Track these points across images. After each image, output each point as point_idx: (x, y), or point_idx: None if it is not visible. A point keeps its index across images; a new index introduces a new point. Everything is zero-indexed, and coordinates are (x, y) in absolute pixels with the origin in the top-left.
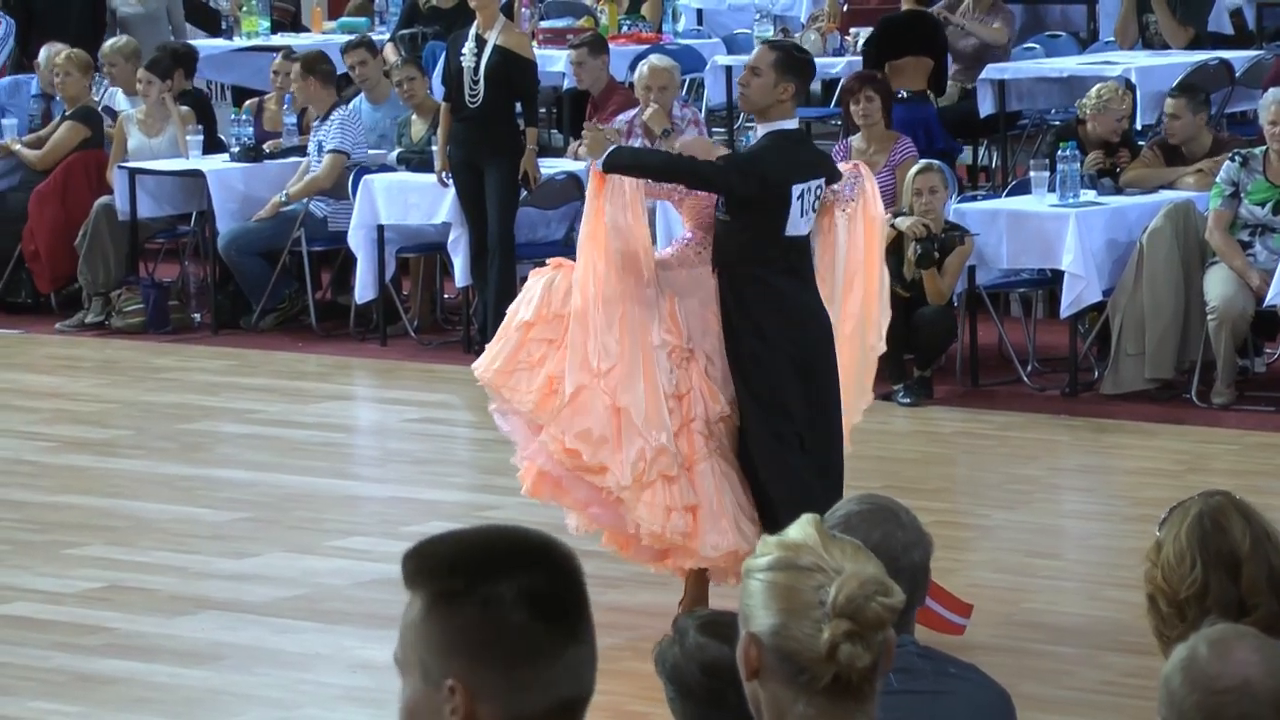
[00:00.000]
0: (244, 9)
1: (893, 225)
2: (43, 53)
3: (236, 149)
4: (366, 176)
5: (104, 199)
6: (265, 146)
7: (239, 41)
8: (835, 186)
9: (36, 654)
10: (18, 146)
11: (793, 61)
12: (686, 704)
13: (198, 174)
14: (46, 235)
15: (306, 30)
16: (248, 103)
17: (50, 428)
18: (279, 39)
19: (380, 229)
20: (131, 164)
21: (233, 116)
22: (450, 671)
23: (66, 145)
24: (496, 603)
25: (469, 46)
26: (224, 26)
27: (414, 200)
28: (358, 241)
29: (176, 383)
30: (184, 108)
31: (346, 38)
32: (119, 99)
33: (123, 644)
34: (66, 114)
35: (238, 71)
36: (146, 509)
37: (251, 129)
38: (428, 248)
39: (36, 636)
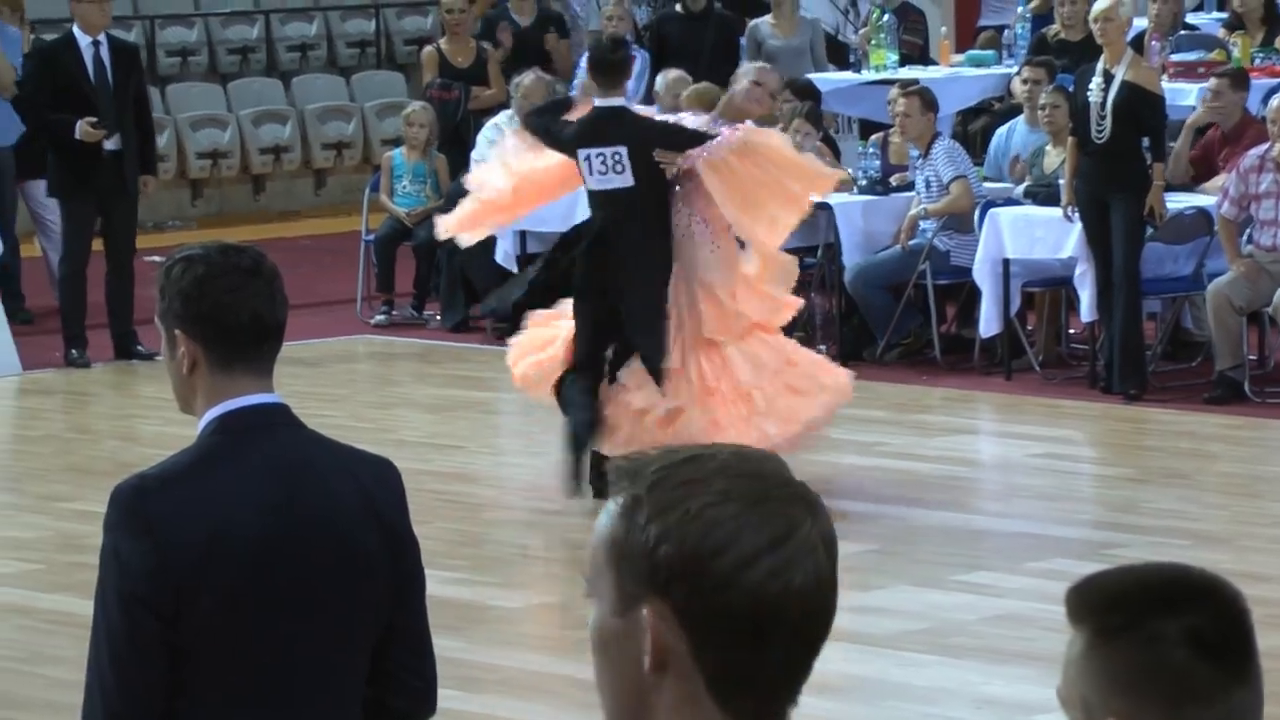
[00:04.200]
0: (873, 42)
1: None
2: (660, 80)
3: (864, 182)
4: (993, 210)
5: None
6: (891, 180)
7: (867, 75)
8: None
9: None
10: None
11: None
12: None
13: (825, 207)
14: None
15: (934, 64)
16: (874, 136)
17: None
18: (906, 72)
19: (1006, 262)
20: None
21: (859, 150)
22: (1111, 710)
23: None
24: (1158, 640)
25: (1096, 81)
26: (852, 60)
27: (1040, 234)
28: (983, 275)
29: None
30: (818, 143)
31: (974, 71)
32: None
33: None
34: None
35: (865, 105)
36: None
37: (878, 162)
38: (1053, 282)
39: None
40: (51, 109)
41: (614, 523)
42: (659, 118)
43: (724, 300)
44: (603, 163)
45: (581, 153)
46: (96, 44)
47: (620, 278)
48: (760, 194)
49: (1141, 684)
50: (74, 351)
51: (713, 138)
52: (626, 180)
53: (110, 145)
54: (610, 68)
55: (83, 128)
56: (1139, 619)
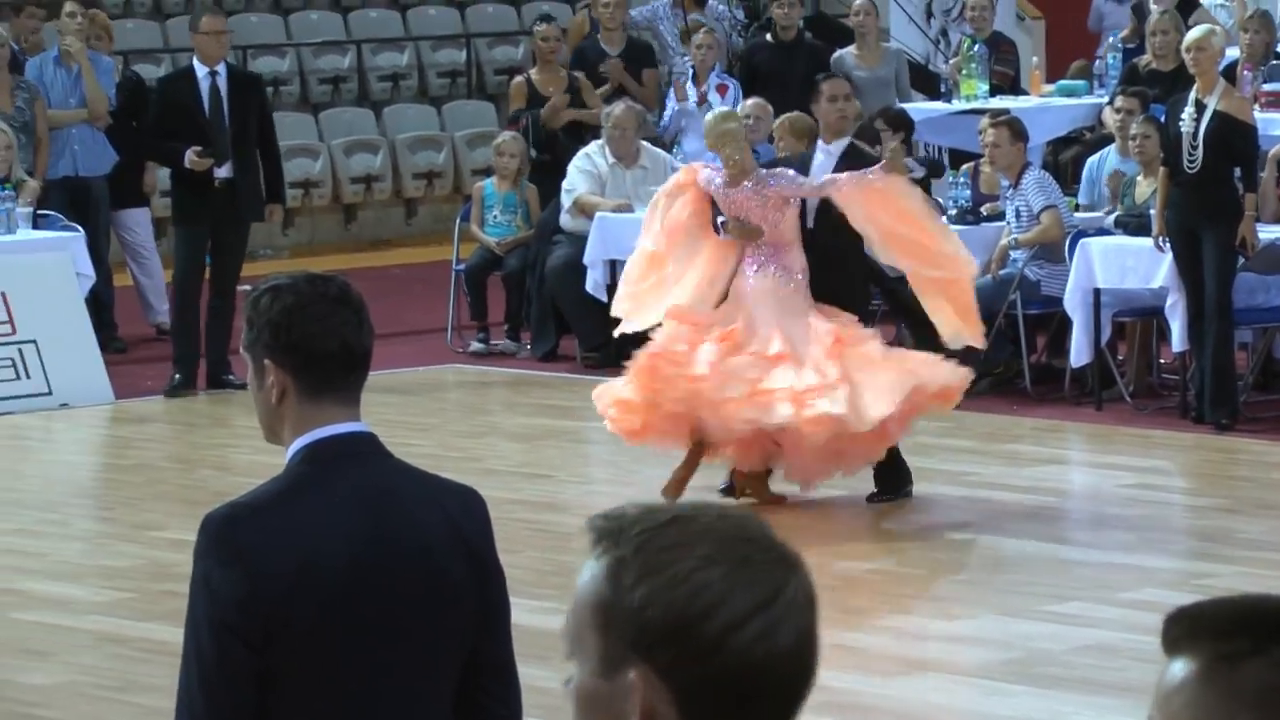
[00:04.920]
0: (964, 72)
1: None
2: (738, 109)
3: (954, 211)
4: (1084, 240)
5: None
6: (982, 209)
7: (957, 105)
8: None
9: None
10: None
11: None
12: None
13: None
14: None
15: (1025, 93)
16: (964, 166)
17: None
18: (997, 102)
19: (1096, 292)
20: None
21: (950, 179)
22: None
23: None
24: None
25: (1188, 111)
26: (943, 90)
27: (1131, 264)
28: (1074, 305)
29: None
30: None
31: (1064, 101)
32: None
33: (837, 703)
34: None
35: (956, 134)
36: (856, 568)
37: (969, 191)
38: (1144, 312)
39: None
40: (167, 138)
41: (599, 584)
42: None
43: None
44: None
45: None
46: (214, 74)
47: None
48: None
49: (1269, 707)
50: (178, 376)
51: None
52: None
53: (222, 173)
54: None
55: (190, 156)
56: (1265, 643)
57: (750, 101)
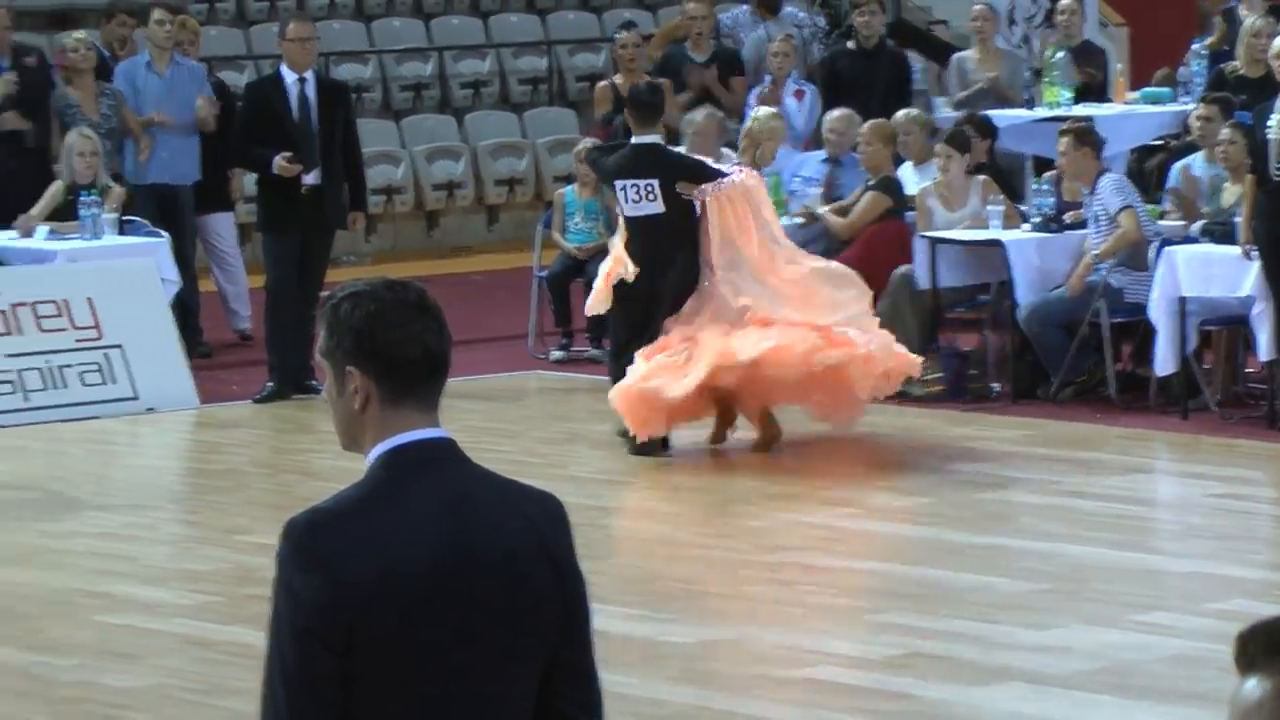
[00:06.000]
0: (1047, 80)
1: None
2: (825, 120)
3: (1037, 219)
4: (1169, 248)
5: (903, 268)
6: (1065, 217)
7: (1040, 112)
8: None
9: (837, 718)
10: (823, 211)
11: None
12: None
13: (996, 244)
14: None
15: (1109, 100)
16: (1047, 173)
17: (851, 491)
18: (1081, 109)
19: (1182, 301)
20: (932, 233)
21: (1034, 187)
22: None
23: (869, 215)
24: None
25: (1274, 118)
26: (1026, 96)
27: (1216, 272)
28: (1159, 313)
29: (974, 451)
30: (981, 177)
31: (1149, 109)
32: (907, 170)
33: (924, 712)
34: (869, 184)
35: (1038, 142)
36: (947, 577)
37: (1052, 199)
38: (1230, 320)
39: (839, 701)
40: (255, 144)
41: None
42: (687, 155)
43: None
44: (637, 192)
45: (619, 183)
46: (302, 81)
47: (657, 284)
48: (740, 237)
49: None
50: (270, 384)
51: (725, 176)
52: (659, 207)
53: (309, 180)
54: (646, 108)
55: (278, 162)
56: None
57: (837, 113)
